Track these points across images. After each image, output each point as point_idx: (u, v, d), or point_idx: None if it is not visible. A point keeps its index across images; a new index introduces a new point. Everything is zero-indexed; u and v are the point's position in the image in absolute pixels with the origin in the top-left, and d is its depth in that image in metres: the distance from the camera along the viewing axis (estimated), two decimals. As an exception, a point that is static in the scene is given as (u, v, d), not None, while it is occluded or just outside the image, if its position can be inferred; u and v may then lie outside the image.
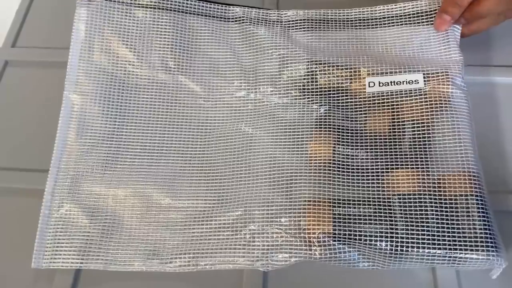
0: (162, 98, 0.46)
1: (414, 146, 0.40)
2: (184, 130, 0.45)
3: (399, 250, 0.36)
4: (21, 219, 0.42)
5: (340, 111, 0.43)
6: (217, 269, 0.38)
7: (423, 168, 0.39)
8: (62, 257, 0.39)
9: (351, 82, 0.44)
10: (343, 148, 0.41)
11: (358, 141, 0.42)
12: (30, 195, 0.43)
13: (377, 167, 0.40)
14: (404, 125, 0.42)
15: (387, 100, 0.43)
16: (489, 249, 0.35)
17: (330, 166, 0.40)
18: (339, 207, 0.38)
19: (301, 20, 0.48)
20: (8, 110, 0.49)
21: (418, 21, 0.46)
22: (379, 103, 0.43)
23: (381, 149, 0.41)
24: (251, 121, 0.45)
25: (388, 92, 0.43)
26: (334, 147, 0.41)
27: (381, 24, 0.47)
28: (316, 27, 0.48)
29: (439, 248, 0.36)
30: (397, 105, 0.42)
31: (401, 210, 0.38)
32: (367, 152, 0.41)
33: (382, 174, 0.40)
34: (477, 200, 0.37)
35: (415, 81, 0.43)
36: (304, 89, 0.45)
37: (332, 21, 0.48)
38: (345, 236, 0.37)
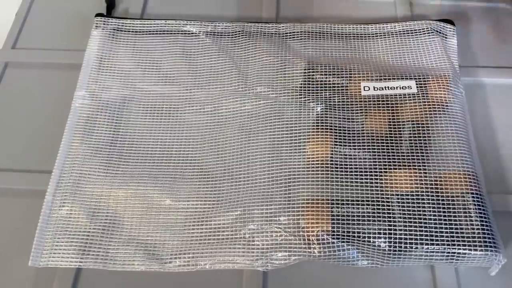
0: (164, 104, 0.48)
1: (412, 146, 0.41)
2: (184, 134, 0.46)
3: (397, 247, 0.36)
4: (21, 219, 0.42)
5: (337, 111, 0.44)
6: (217, 269, 0.38)
7: (420, 167, 0.40)
8: (60, 256, 0.40)
9: (348, 84, 0.45)
10: (341, 148, 0.42)
11: (356, 140, 0.42)
12: (30, 196, 0.43)
13: (375, 166, 0.40)
14: (401, 125, 0.42)
15: (384, 102, 0.44)
16: (487, 245, 0.36)
17: (328, 165, 0.41)
18: (338, 206, 0.38)
19: (298, 32, 0.51)
20: (8, 112, 0.49)
21: (410, 35, 0.49)
22: (376, 104, 0.44)
23: (379, 148, 0.41)
24: (249, 121, 0.45)
25: (383, 96, 0.44)
26: (332, 146, 0.41)
27: (374, 38, 0.50)
28: (313, 38, 0.51)
29: (437, 244, 0.36)
30: (394, 105, 0.44)
31: (399, 208, 0.38)
32: (365, 151, 0.41)
33: (380, 173, 0.40)
34: (473, 197, 0.38)
35: (408, 87, 0.44)
36: (301, 88, 0.46)
37: (328, 33, 0.51)
38: (343, 234, 0.37)
